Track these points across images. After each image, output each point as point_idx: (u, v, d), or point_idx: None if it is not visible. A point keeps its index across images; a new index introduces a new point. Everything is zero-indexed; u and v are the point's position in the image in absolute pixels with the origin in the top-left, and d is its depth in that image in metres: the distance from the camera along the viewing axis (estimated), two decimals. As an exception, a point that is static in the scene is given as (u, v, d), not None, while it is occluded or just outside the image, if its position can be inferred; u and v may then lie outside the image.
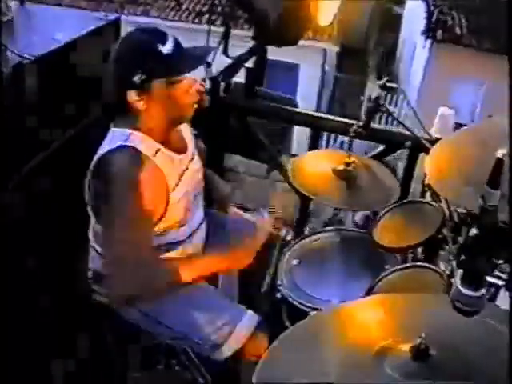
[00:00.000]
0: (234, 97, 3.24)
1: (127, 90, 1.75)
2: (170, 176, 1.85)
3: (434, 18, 13.68)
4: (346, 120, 2.89)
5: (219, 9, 4.96)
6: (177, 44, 1.77)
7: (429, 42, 13.36)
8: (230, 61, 3.14)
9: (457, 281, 1.02)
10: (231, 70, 3.12)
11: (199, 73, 2.14)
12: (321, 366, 1.12)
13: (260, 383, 1.09)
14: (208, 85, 2.93)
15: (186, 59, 1.79)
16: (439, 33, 13.26)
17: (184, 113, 1.88)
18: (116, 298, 1.85)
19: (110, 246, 1.81)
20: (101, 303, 2.03)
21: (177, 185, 1.88)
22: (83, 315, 2.24)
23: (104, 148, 1.80)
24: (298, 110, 3.19)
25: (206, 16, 11.33)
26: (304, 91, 11.54)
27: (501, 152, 0.94)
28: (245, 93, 3.25)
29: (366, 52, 13.61)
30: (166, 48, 1.74)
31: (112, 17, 2.78)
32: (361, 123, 2.42)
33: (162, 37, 1.76)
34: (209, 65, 3.15)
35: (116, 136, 1.81)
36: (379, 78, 2.38)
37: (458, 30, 13.27)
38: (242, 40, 3.33)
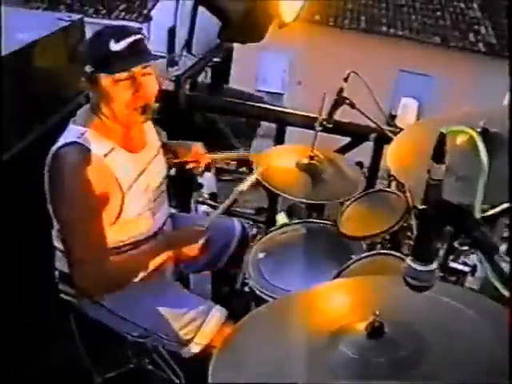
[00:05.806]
0: (198, 94, 3.23)
1: (82, 77, 1.81)
2: (125, 174, 1.85)
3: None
4: (310, 114, 2.89)
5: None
6: (132, 44, 1.74)
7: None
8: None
9: (408, 258, 1.04)
10: (196, 69, 3.12)
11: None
12: (278, 350, 1.13)
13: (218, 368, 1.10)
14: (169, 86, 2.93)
15: (130, 60, 1.75)
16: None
17: (131, 116, 1.84)
18: (84, 293, 1.87)
19: (65, 242, 1.83)
20: (69, 303, 2.02)
21: (135, 181, 1.88)
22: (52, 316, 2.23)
23: (58, 143, 1.81)
24: (262, 105, 3.19)
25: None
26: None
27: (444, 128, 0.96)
28: (209, 90, 3.25)
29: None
30: (119, 45, 1.72)
31: (75, 17, 2.78)
32: (325, 117, 2.43)
33: (120, 35, 1.73)
34: (175, 63, 3.15)
35: (71, 133, 1.83)
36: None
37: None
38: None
